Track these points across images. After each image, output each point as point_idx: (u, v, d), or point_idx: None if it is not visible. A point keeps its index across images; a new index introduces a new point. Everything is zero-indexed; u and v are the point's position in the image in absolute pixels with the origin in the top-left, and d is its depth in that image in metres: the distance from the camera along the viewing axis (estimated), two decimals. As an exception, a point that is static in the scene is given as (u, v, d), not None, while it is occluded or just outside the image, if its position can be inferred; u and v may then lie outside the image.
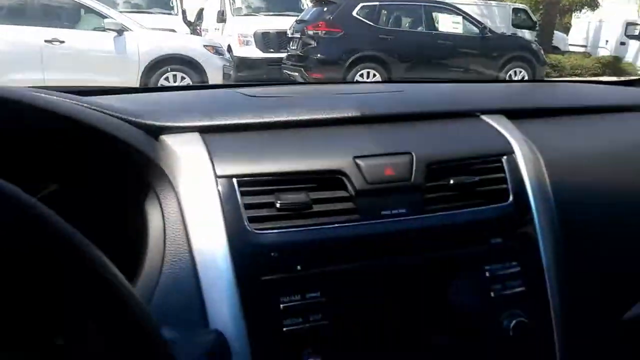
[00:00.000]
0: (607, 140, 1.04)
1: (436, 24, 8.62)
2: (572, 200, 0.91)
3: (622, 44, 13.22)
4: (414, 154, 0.82)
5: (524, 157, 0.90)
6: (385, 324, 0.76)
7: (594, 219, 0.93)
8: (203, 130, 0.82)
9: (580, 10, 14.50)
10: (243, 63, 8.59)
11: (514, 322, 0.80)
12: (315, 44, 7.76)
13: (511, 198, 0.86)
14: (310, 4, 9.07)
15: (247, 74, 8.34)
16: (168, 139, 0.80)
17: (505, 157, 0.89)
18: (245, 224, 0.74)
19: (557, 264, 0.86)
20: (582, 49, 13.86)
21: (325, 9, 8.05)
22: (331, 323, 0.73)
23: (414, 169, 0.81)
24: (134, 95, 1.08)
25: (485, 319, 0.80)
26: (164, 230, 0.73)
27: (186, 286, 0.71)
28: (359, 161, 0.80)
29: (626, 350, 0.97)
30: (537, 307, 0.84)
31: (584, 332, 0.88)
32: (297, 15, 8.80)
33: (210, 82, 6.50)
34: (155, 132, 0.80)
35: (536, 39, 11.21)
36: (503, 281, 0.82)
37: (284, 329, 0.71)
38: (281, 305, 0.72)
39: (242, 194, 0.75)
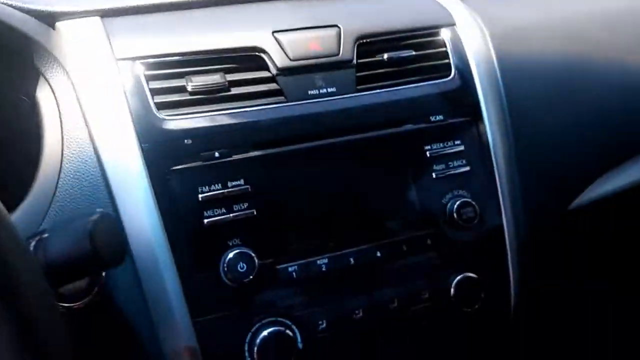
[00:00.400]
0: (557, 13, 0.96)
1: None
2: (519, 74, 0.84)
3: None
4: (341, 27, 0.74)
5: (467, 29, 0.83)
6: (320, 210, 0.71)
7: (542, 95, 0.86)
8: (104, 15, 0.73)
9: None
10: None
11: (457, 203, 0.75)
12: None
13: (453, 72, 0.79)
14: None
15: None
16: (65, 25, 0.71)
17: (445, 29, 0.81)
18: (153, 110, 0.66)
19: (503, 141, 0.81)
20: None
21: None
22: (260, 212, 0.67)
23: (342, 43, 0.74)
24: None
25: (427, 201, 0.75)
26: (61, 123, 0.66)
27: (91, 182, 0.65)
28: (279, 36, 0.72)
29: (572, 238, 0.94)
30: (484, 188, 0.79)
31: (533, 215, 0.84)
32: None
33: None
34: (51, 19, 0.71)
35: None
36: (445, 161, 0.77)
37: (205, 220, 0.65)
38: (200, 196, 0.65)
39: (148, 78, 0.67)
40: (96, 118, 0.66)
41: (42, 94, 0.67)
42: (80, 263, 0.46)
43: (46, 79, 0.68)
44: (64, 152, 0.65)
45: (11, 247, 0.36)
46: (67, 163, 0.65)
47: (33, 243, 0.48)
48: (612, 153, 0.92)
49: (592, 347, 1.09)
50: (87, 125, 0.66)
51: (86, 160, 0.65)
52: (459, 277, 0.76)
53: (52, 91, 0.67)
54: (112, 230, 0.48)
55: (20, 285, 0.36)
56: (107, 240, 0.47)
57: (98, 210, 0.48)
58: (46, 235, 0.48)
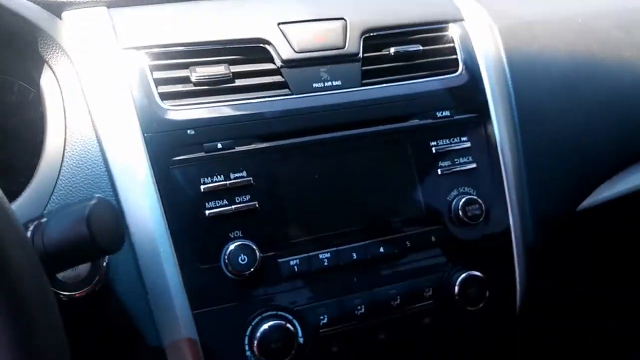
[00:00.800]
0: (567, 10, 0.94)
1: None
2: (528, 71, 0.83)
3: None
4: (347, 20, 0.74)
5: (475, 24, 0.82)
6: (322, 204, 0.70)
7: (551, 93, 0.85)
8: (110, 5, 0.72)
9: None
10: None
11: (463, 200, 0.74)
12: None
13: (461, 68, 0.78)
14: None
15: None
16: (71, 14, 0.71)
17: (453, 24, 0.80)
18: (157, 100, 0.66)
19: (510, 139, 0.79)
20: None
21: None
22: (262, 205, 0.67)
23: (347, 36, 0.73)
24: None
25: (432, 197, 0.74)
26: (64, 111, 0.66)
27: (93, 170, 0.64)
28: (284, 27, 0.71)
29: (580, 240, 0.92)
30: (490, 186, 0.77)
31: (541, 214, 0.82)
32: None
33: None
34: (57, 8, 0.71)
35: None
36: (452, 158, 0.76)
37: (206, 212, 0.65)
38: (202, 187, 0.65)
39: (152, 68, 0.67)
40: (99, 107, 0.66)
41: (46, 82, 0.67)
42: (78, 247, 0.46)
43: (51, 67, 0.68)
44: (67, 141, 0.65)
45: (5, 228, 0.36)
46: (69, 151, 0.64)
47: (31, 228, 0.48)
48: (623, 154, 0.91)
49: (597, 347, 1.07)
50: (90, 114, 0.66)
51: (89, 149, 0.65)
52: (463, 275, 0.74)
53: (56, 79, 0.67)
54: (110, 215, 0.48)
55: (13, 266, 0.35)
56: (104, 225, 0.46)
57: (96, 195, 0.48)
58: (44, 220, 0.48)
